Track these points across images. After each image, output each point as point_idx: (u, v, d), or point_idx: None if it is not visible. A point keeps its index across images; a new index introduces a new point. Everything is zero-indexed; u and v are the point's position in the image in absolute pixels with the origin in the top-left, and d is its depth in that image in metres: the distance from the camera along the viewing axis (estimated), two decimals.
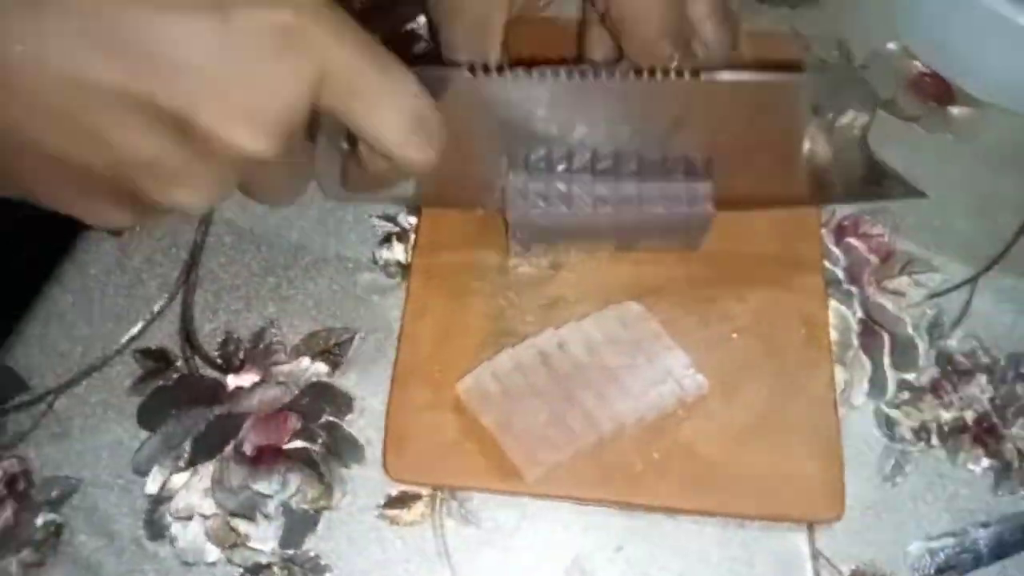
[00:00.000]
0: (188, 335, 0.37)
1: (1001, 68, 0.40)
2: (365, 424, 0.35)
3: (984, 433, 0.34)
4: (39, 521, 0.33)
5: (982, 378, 0.35)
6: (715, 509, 0.32)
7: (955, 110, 0.41)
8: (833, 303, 0.37)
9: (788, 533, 0.33)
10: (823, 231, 0.38)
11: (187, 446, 0.34)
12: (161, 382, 0.36)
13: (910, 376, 0.35)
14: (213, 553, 0.33)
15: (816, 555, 0.32)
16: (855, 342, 0.36)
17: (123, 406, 0.35)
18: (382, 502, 0.33)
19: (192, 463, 0.34)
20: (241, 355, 0.36)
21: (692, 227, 0.34)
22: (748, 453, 0.33)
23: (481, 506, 0.33)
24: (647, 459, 0.32)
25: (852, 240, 0.38)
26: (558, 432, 0.32)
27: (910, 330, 0.36)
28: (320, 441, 0.34)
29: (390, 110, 0.24)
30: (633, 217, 0.33)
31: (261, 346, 0.36)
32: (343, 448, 0.34)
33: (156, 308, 0.37)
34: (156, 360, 0.36)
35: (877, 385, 0.35)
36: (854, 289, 0.37)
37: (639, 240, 0.36)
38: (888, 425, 0.34)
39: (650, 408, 0.33)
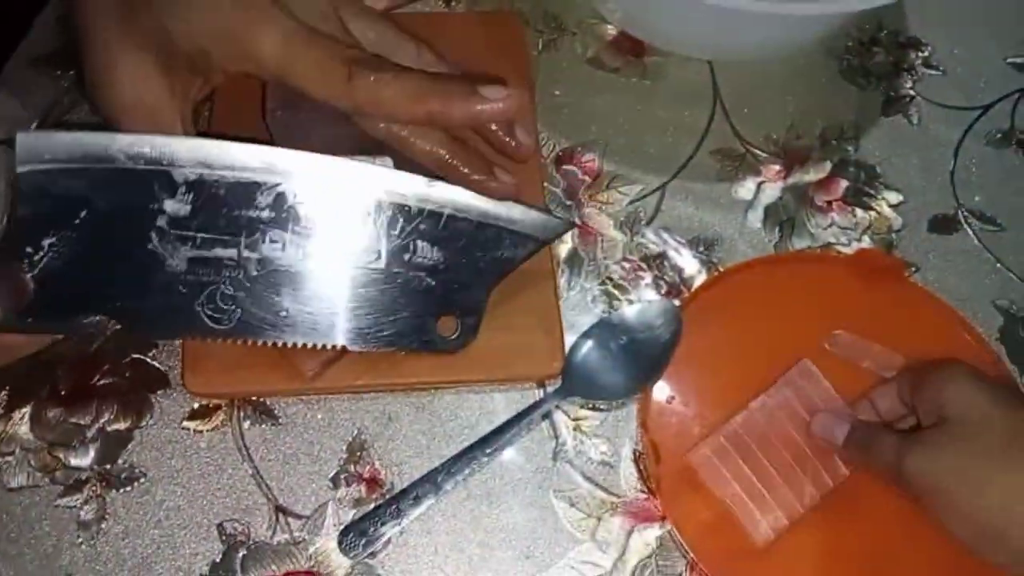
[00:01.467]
0: None
1: (677, 27, 0.51)
2: (166, 356, 0.40)
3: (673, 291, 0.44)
4: None
5: (671, 257, 0.45)
6: (464, 379, 0.40)
7: (648, 59, 0.51)
8: (557, 215, 0.45)
9: (524, 391, 0.41)
10: (544, 161, 0.47)
11: (5, 393, 0.39)
12: None
13: (616, 266, 0.45)
14: (35, 476, 0.37)
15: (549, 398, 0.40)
16: (574, 243, 0.45)
17: None
18: (186, 415, 0.39)
19: (11, 408, 0.39)
20: None
21: None
22: (489, 333, 0.40)
23: (272, 406, 0.40)
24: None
25: (568, 166, 0.47)
26: None
27: (613, 230, 0.46)
28: (127, 375, 0.40)
29: None
30: None
31: None
32: (148, 378, 0.40)
33: None
34: None
35: (593, 273, 0.44)
36: (571, 203, 0.46)
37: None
38: (598, 301, 0.43)
39: None
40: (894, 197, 0.47)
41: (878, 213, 0.47)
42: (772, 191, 0.47)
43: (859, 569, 0.38)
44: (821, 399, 0.40)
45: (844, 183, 0.48)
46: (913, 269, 0.45)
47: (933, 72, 0.52)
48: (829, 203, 0.47)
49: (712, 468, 0.38)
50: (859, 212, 0.47)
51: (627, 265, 0.45)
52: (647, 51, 0.51)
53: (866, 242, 0.46)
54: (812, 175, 0.48)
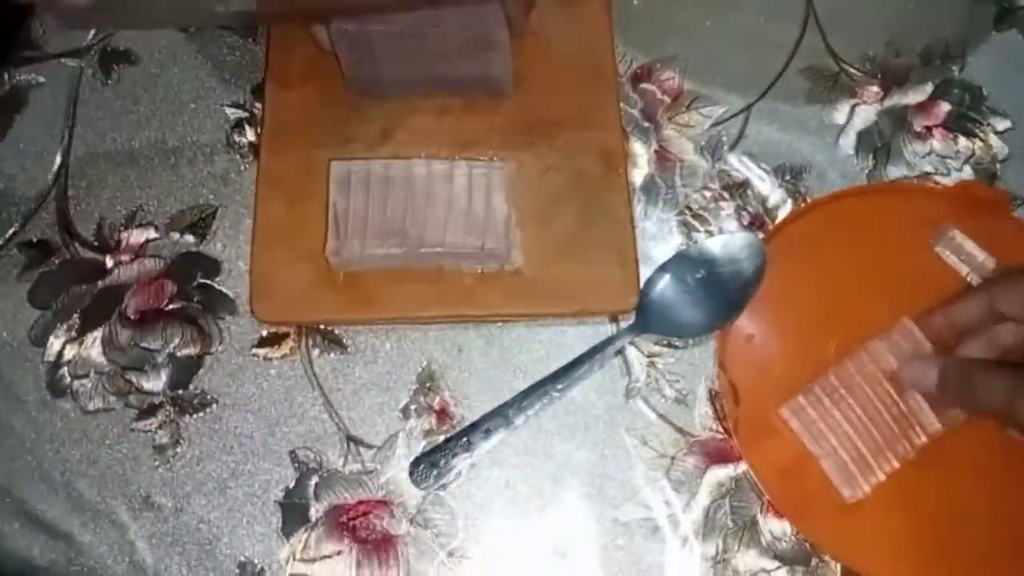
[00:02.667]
0: (66, 226, 0.41)
1: None
2: (234, 282, 0.40)
3: (756, 223, 0.41)
4: None
5: (755, 186, 0.42)
6: (535, 311, 0.39)
7: None
8: (634, 136, 0.43)
9: (597, 326, 0.39)
10: (621, 79, 0.44)
11: (77, 318, 0.39)
12: (44, 268, 0.40)
13: (696, 194, 0.42)
14: (110, 400, 0.38)
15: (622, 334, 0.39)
16: (651, 169, 0.43)
17: (12, 292, 0.39)
18: (256, 342, 0.39)
19: (83, 331, 0.39)
20: (116, 237, 0.40)
21: (488, 49, 0.38)
22: (560, 265, 0.39)
23: (341, 335, 0.39)
24: (475, 276, 0.39)
25: (646, 85, 0.44)
26: (390, 233, 0.37)
27: (693, 155, 0.43)
28: (196, 300, 0.40)
29: None
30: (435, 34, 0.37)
31: (134, 227, 0.41)
32: (216, 303, 0.40)
33: (32, 206, 0.41)
34: (38, 250, 0.40)
35: (671, 201, 0.42)
36: (649, 125, 0.43)
37: (452, 71, 0.40)
38: (676, 232, 0.41)
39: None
40: (1001, 123, 0.43)
41: (983, 141, 0.43)
42: (867, 114, 0.44)
43: (947, 527, 0.36)
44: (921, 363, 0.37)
45: (946, 107, 0.44)
46: (1018, 203, 0.42)
47: None
48: (929, 129, 0.43)
49: (807, 420, 0.36)
50: (962, 139, 0.43)
51: (708, 193, 0.42)
52: None
53: (967, 172, 0.42)
54: (911, 97, 0.44)
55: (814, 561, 0.36)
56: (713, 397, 0.38)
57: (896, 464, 0.36)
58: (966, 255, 0.39)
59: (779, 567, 0.36)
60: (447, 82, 0.41)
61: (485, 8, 0.37)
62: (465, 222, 0.38)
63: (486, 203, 0.38)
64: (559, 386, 0.38)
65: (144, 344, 0.39)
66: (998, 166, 0.43)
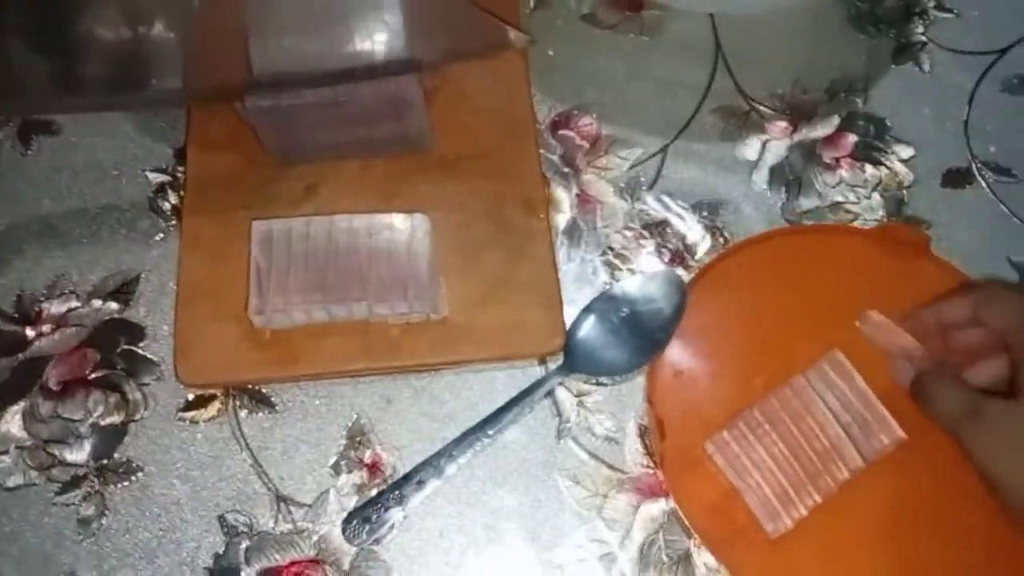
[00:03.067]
0: None
1: None
2: (158, 347, 0.40)
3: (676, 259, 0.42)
4: None
5: (674, 224, 0.43)
6: (463, 358, 0.39)
7: (645, 14, 0.49)
8: (555, 182, 0.44)
9: (525, 369, 0.40)
10: (540, 127, 0.45)
11: None
12: None
13: (617, 235, 0.43)
14: (31, 476, 0.37)
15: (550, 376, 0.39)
16: (573, 213, 0.44)
17: None
18: (181, 406, 0.38)
19: (2, 407, 0.38)
20: (37, 308, 0.40)
21: (403, 110, 0.39)
22: (486, 312, 0.39)
23: (269, 393, 0.39)
24: (401, 327, 0.39)
25: (565, 131, 0.45)
26: (313, 289, 0.37)
27: (613, 197, 0.44)
28: (119, 367, 0.39)
29: None
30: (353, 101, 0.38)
31: (55, 296, 0.40)
32: (141, 368, 0.39)
33: None
34: None
35: (593, 243, 0.43)
36: (569, 170, 0.45)
37: (369, 133, 0.40)
38: (600, 273, 0.42)
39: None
40: (905, 151, 0.45)
41: (889, 168, 0.45)
42: (778, 149, 0.45)
43: (867, 560, 0.37)
44: (853, 394, 0.38)
45: (853, 138, 0.46)
46: (925, 226, 0.43)
47: (946, 15, 0.49)
48: (837, 160, 0.45)
49: (730, 455, 0.37)
50: (869, 168, 0.45)
51: (628, 233, 0.43)
52: (645, 5, 0.49)
53: (876, 200, 0.44)
54: (819, 131, 0.46)
55: None
56: (643, 433, 0.39)
57: (818, 499, 0.36)
58: (891, 335, 0.39)
59: None
60: (367, 143, 0.41)
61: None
62: (388, 273, 0.38)
63: (408, 253, 0.39)
64: (490, 432, 0.38)
65: (67, 415, 0.38)
66: (904, 192, 0.44)
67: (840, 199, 0.44)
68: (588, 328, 0.40)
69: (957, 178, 0.45)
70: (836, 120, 0.46)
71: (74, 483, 0.37)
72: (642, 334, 0.40)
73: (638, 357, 0.39)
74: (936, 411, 0.35)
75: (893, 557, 0.36)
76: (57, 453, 0.37)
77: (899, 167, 0.45)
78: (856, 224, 0.44)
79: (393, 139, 0.41)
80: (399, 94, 0.38)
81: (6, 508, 0.36)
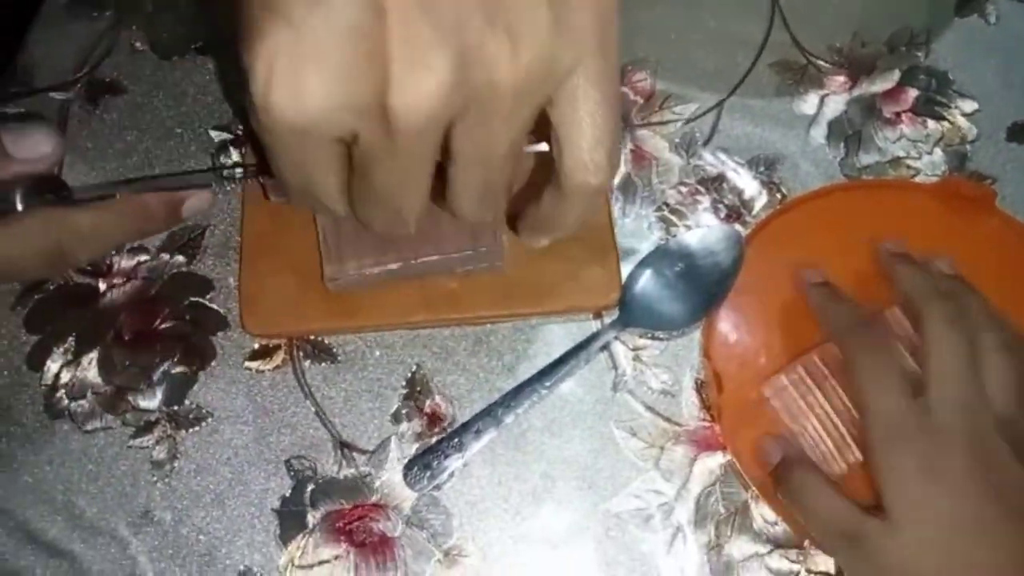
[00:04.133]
0: None
1: None
2: (224, 298, 0.41)
3: (733, 215, 0.42)
4: None
5: (730, 179, 0.43)
6: (520, 311, 0.40)
7: None
8: None
9: (582, 323, 0.40)
10: None
11: (72, 341, 0.40)
12: (39, 295, 0.41)
13: (673, 191, 0.43)
14: (107, 419, 0.38)
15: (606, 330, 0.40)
16: (628, 169, 0.43)
17: (9, 319, 0.40)
18: (247, 356, 0.40)
19: (79, 354, 0.40)
20: (108, 261, 0.41)
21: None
22: (543, 266, 0.40)
23: (331, 344, 0.40)
24: (459, 280, 0.39)
25: (620, 87, 0.45)
26: (381, 249, 0.37)
27: (668, 153, 0.44)
28: (188, 318, 0.40)
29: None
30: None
31: (125, 251, 0.42)
32: (208, 320, 0.40)
33: None
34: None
35: (648, 199, 0.43)
36: (624, 126, 0.44)
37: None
38: (655, 228, 0.42)
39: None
40: (969, 105, 0.44)
41: (951, 123, 0.44)
42: (836, 104, 0.45)
43: None
44: (906, 346, 0.37)
45: (914, 92, 0.45)
46: (989, 181, 0.43)
47: None
48: (898, 114, 0.44)
49: (787, 398, 0.37)
50: (930, 123, 0.44)
51: (684, 189, 0.43)
52: None
53: (938, 155, 0.43)
54: (879, 85, 0.45)
55: (807, 543, 0.36)
56: (699, 387, 0.39)
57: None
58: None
59: (772, 551, 0.36)
60: None
61: None
62: (454, 227, 0.38)
63: None
64: (547, 383, 0.38)
65: (139, 364, 0.39)
66: (968, 147, 0.43)
67: (901, 154, 0.43)
68: (644, 282, 0.40)
69: (1023, 133, 0.44)
70: (896, 74, 0.45)
71: (147, 428, 0.38)
72: (698, 288, 0.40)
73: (694, 311, 0.39)
74: (826, 326, 0.38)
75: None
76: (131, 399, 0.39)
77: (962, 121, 0.44)
78: (918, 180, 0.43)
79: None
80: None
81: (86, 448, 0.38)
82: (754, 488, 0.37)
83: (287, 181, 0.29)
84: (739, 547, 0.36)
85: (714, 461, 0.38)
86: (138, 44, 0.46)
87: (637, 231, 0.42)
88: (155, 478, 0.38)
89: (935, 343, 0.35)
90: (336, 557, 0.36)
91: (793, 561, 0.36)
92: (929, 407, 0.33)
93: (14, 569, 0.36)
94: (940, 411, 0.33)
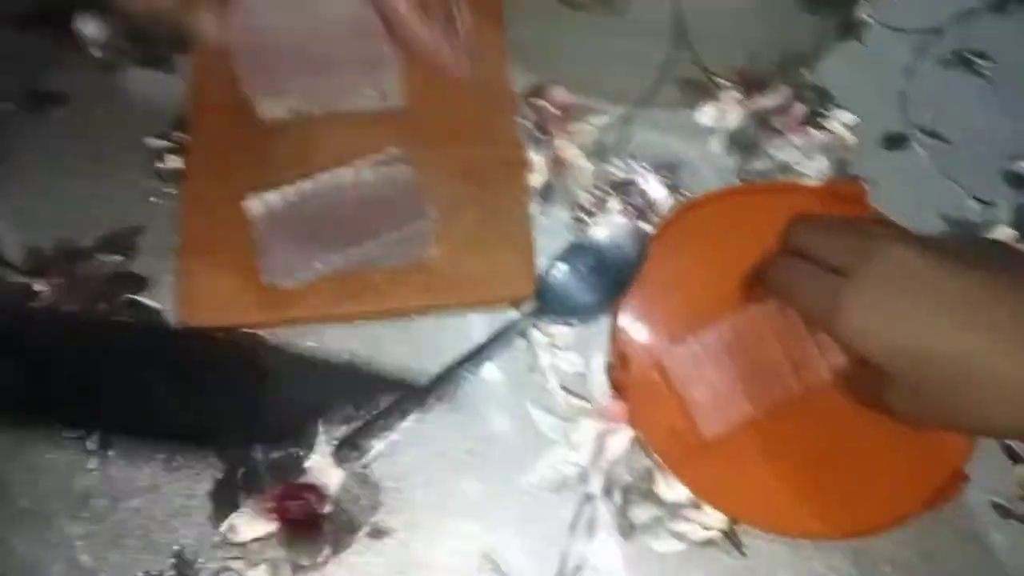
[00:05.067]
0: None
1: None
2: (161, 296, 0.43)
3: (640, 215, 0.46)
4: None
5: (638, 183, 0.47)
6: (444, 302, 0.43)
7: None
8: (530, 145, 0.47)
9: (501, 313, 0.43)
10: (517, 97, 0.49)
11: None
12: None
13: (586, 193, 0.47)
14: None
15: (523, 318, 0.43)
16: (547, 174, 0.47)
17: None
18: None
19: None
20: (46, 263, 0.43)
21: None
22: (465, 260, 0.43)
23: (265, 335, 0.42)
24: (386, 273, 0.42)
25: (539, 100, 0.49)
26: (314, 247, 0.41)
27: (583, 160, 0.48)
28: (125, 315, 0.42)
29: None
30: None
31: (63, 252, 0.43)
32: (144, 316, 0.42)
33: None
34: None
35: (567, 201, 0.46)
36: (543, 136, 0.48)
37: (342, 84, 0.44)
38: (570, 227, 0.46)
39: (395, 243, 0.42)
40: (849, 118, 0.49)
41: (833, 133, 0.49)
42: (733, 117, 0.49)
43: (805, 472, 0.40)
44: (797, 329, 0.42)
45: (801, 107, 0.50)
46: (868, 184, 0.47)
47: None
48: (788, 126, 0.49)
49: (681, 367, 0.41)
50: (815, 133, 0.49)
51: (597, 192, 0.47)
52: None
53: (822, 161, 0.48)
54: (771, 100, 0.50)
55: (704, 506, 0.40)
56: (608, 368, 0.42)
57: (752, 411, 0.40)
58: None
59: (672, 514, 0.39)
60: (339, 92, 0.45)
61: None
62: (379, 217, 0.41)
63: (394, 197, 0.42)
64: (468, 367, 0.41)
65: None
66: (848, 154, 0.48)
67: (789, 160, 0.48)
68: (558, 274, 0.43)
69: (896, 142, 0.49)
70: (786, 90, 0.50)
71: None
72: (607, 280, 0.43)
73: (603, 300, 0.43)
74: (771, 288, 0.39)
75: (813, 480, 0.40)
76: None
77: (843, 132, 0.49)
78: (803, 183, 0.48)
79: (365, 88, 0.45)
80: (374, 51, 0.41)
81: (23, 440, 0.39)
82: (657, 458, 0.40)
83: None
84: (644, 511, 0.39)
85: (621, 434, 0.41)
86: None
87: (554, 230, 0.45)
88: (91, 466, 0.39)
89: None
90: (268, 534, 0.38)
91: (690, 520, 0.39)
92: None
93: None
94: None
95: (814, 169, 0.48)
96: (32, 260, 0.43)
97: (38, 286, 0.42)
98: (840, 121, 0.49)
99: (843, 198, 0.46)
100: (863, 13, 0.53)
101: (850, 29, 0.52)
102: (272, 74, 0.43)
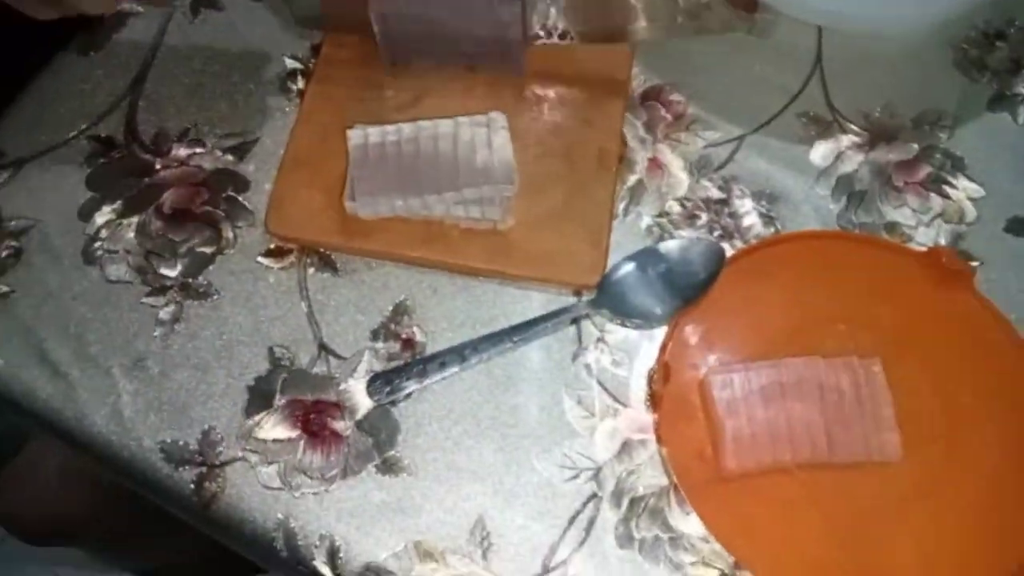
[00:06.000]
0: (130, 129, 0.48)
1: None
2: (257, 200, 0.46)
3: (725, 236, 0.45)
4: (3, 247, 0.44)
5: (732, 205, 0.46)
6: (509, 271, 0.43)
7: (759, 16, 0.51)
8: (632, 143, 0.47)
9: (560, 296, 0.43)
10: (633, 94, 0.49)
11: (120, 204, 0.45)
12: (104, 160, 0.47)
13: (676, 203, 0.46)
14: (131, 275, 0.44)
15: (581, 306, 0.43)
16: (642, 174, 0.47)
17: (74, 173, 0.46)
18: (263, 252, 0.44)
19: (123, 215, 0.45)
20: (168, 146, 0.47)
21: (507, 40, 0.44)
22: (540, 234, 0.43)
23: (335, 259, 0.44)
24: (462, 230, 0.43)
25: (654, 102, 0.49)
26: (397, 187, 0.42)
27: (682, 170, 0.47)
28: (222, 208, 0.45)
29: None
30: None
31: (186, 140, 0.47)
32: (238, 213, 0.45)
33: (107, 108, 0.48)
34: (103, 144, 0.47)
35: (655, 205, 0.46)
36: (648, 136, 0.48)
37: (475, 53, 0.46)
38: (651, 231, 0.45)
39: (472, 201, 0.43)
40: (976, 190, 0.46)
41: (954, 202, 0.46)
42: (850, 162, 0.47)
43: (822, 545, 0.38)
44: (870, 397, 0.40)
45: (927, 168, 0.47)
46: (978, 264, 0.44)
47: None
48: (907, 184, 0.47)
49: (728, 393, 0.39)
50: (935, 198, 0.46)
51: (688, 204, 0.46)
52: (760, 8, 0.52)
53: (935, 227, 0.45)
54: (896, 155, 0.48)
55: (711, 541, 0.38)
56: (649, 377, 0.42)
57: (790, 463, 0.39)
58: None
59: (675, 539, 0.39)
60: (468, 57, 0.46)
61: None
62: (469, 169, 0.43)
63: (488, 150, 0.43)
64: (515, 338, 0.42)
65: (170, 235, 0.45)
66: (965, 227, 0.46)
67: (900, 219, 0.46)
68: (625, 273, 0.43)
69: (1021, 226, 0.46)
70: (915, 148, 0.48)
71: (161, 290, 0.43)
72: (673, 291, 0.43)
73: (664, 311, 0.42)
74: None
75: (834, 550, 0.38)
76: (154, 264, 0.44)
77: (966, 203, 0.46)
78: (907, 246, 0.45)
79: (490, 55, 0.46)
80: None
81: (106, 295, 0.43)
82: (675, 477, 0.39)
83: None
84: (647, 528, 0.39)
85: (646, 447, 0.40)
86: None
87: (634, 229, 0.45)
88: (156, 333, 0.42)
89: None
90: (288, 439, 0.40)
91: (690, 551, 0.38)
92: None
93: (23, 378, 0.41)
94: None
95: (924, 236, 0.45)
96: (158, 142, 0.47)
97: (158, 164, 0.47)
98: (966, 192, 0.46)
99: (946, 271, 0.43)
100: (1021, 87, 0.49)
101: (1004, 101, 0.49)
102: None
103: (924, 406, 0.40)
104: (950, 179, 0.47)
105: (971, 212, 0.46)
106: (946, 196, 0.46)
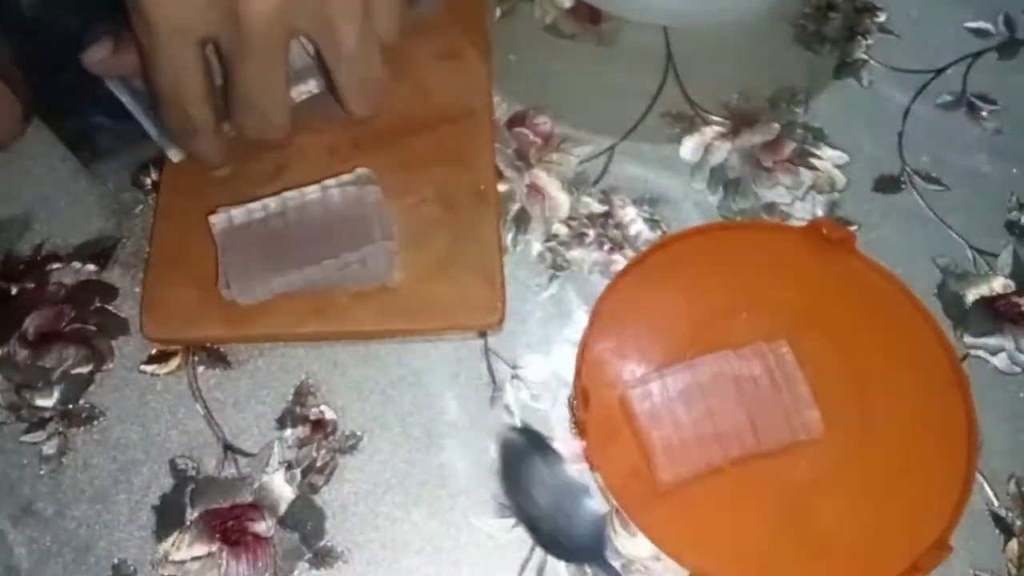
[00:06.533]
0: None
1: None
2: (129, 307, 0.43)
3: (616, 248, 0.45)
4: None
5: (616, 216, 0.46)
6: (408, 328, 0.42)
7: (604, 26, 0.52)
8: (508, 173, 0.47)
9: (467, 341, 0.42)
10: (498, 124, 0.48)
11: None
12: None
13: (561, 224, 0.46)
14: (3, 414, 0.40)
15: (487, 351, 0.42)
16: (522, 202, 0.47)
17: None
18: (144, 360, 0.42)
19: None
20: (22, 266, 0.44)
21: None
22: (432, 285, 0.42)
23: (225, 352, 0.42)
24: (350, 295, 0.42)
25: (520, 128, 0.49)
26: (272, 265, 0.40)
27: (560, 191, 0.47)
28: (92, 322, 0.42)
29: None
30: None
31: (39, 257, 0.44)
32: (110, 325, 0.42)
33: None
34: None
35: (539, 231, 0.46)
36: (521, 164, 0.48)
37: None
38: (543, 258, 0.45)
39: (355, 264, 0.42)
40: (840, 157, 0.48)
41: (823, 173, 0.48)
42: (719, 153, 0.48)
43: (764, 531, 0.39)
44: (786, 382, 0.40)
45: (791, 144, 0.49)
46: (855, 227, 0.46)
47: (888, 36, 0.52)
48: (775, 163, 0.48)
49: (647, 406, 0.39)
50: (804, 172, 0.48)
51: (573, 223, 0.46)
52: (604, 18, 0.53)
53: (811, 200, 0.47)
54: (760, 137, 0.49)
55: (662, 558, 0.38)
56: (570, 403, 0.41)
57: (719, 462, 0.39)
58: None
59: (625, 564, 0.38)
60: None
61: None
62: (342, 236, 0.41)
63: (360, 216, 0.41)
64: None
65: (40, 363, 0.41)
66: (837, 194, 0.47)
67: (775, 199, 0.47)
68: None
69: (888, 184, 0.48)
70: (776, 127, 0.49)
71: (40, 424, 0.40)
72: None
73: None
74: None
75: (779, 541, 0.38)
76: (28, 397, 0.41)
77: (834, 171, 0.48)
78: (788, 223, 0.46)
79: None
80: None
81: None
82: (614, 501, 0.38)
83: (159, 86, 0.37)
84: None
85: (580, 477, 0.40)
86: None
87: (525, 259, 0.45)
88: (42, 472, 0.39)
89: None
90: (209, 554, 0.38)
91: (642, 575, 0.38)
92: None
93: None
94: None
95: (802, 210, 0.47)
96: (8, 265, 0.44)
97: (13, 289, 0.43)
98: (831, 161, 0.48)
99: (829, 240, 0.44)
100: (862, 52, 0.52)
101: (848, 68, 0.51)
102: None
103: (836, 376, 0.41)
104: (814, 151, 0.48)
105: (840, 179, 0.48)
106: (814, 168, 0.48)
